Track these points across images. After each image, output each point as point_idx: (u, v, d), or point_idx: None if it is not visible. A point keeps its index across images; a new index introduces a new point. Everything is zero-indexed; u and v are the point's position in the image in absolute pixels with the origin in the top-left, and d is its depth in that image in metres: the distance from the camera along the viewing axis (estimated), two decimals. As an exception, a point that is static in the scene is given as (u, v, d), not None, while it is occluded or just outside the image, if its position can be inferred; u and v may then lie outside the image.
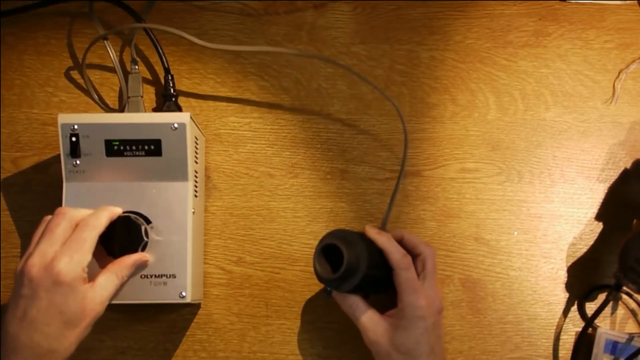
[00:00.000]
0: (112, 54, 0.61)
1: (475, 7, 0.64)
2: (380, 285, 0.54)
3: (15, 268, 0.48)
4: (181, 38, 0.63)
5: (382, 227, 0.57)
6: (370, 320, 0.53)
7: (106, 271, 0.50)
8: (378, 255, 0.53)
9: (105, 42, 0.61)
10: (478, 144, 0.62)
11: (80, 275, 0.47)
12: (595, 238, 0.61)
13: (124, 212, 0.53)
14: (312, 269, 0.60)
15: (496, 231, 0.61)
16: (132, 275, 0.52)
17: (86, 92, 0.63)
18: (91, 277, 0.49)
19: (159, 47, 0.61)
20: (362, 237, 0.53)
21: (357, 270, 0.51)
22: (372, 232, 0.54)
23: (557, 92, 0.63)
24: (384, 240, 0.53)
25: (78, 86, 0.63)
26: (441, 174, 0.62)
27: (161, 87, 0.62)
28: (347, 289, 0.52)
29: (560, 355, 0.60)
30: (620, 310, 0.60)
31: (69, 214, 0.49)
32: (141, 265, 0.53)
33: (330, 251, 0.51)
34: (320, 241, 0.52)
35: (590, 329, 0.59)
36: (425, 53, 0.63)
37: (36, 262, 0.46)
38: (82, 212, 0.51)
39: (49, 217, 0.50)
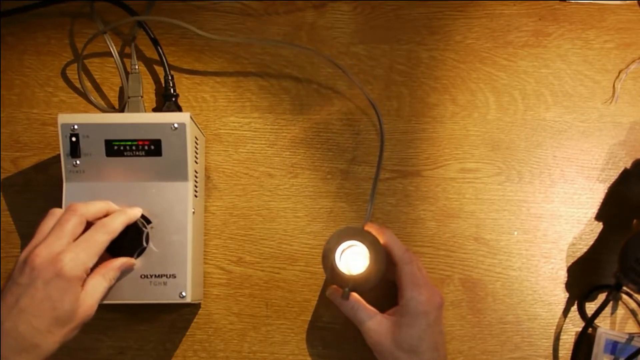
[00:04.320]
0: (114, 50, 0.60)
1: (475, 7, 0.64)
2: (380, 280, 0.54)
3: (19, 255, 0.48)
4: (181, 38, 0.63)
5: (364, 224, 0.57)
6: (372, 321, 0.53)
7: (94, 274, 0.50)
8: (383, 251, 0.54)
9: (106, 38, 0.60)
10: (478, 144, 0.62)
11: (82, 275, 0.47)
12: (595, 238, 0.61)
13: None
14: (312, 269, 0.61)
15: (496, 231, 0.61)
16: (120, 277, 0.52)
17: (84, 91, 0.63)
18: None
19: (159, 47, 0.61)
20: (367, 232, 0.54)
21: (379, 269, 0.51)
22: (374, 228, 0.55)
23: (557, 92, 0.63)
24: (388, 236, 0.54)
25: (78, 86, 0.63)
26: (441, 174, 0.62)
27: (161, 87, 0.62)
28: (368, 287, 0.53)
29: (560, 355, 0.60)
30: (620, 310, 0.60)
31: (80, 210, 0.49)
32: (128, 269, 0.53)
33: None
34: (334, 242, 0.53)
35: (590, 329, 0.59)
36: (425, 53, 0.63)
37: (41, 252, 0.46)
38: (94, 207, 0.51)
39: (58, 210, 0.50)
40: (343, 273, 0.52)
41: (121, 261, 0.52)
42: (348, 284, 0.52)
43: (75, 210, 0.49)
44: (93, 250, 0.48)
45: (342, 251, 0.54)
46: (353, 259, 0.55)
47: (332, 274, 0.53)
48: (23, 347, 0.45)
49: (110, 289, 0.51)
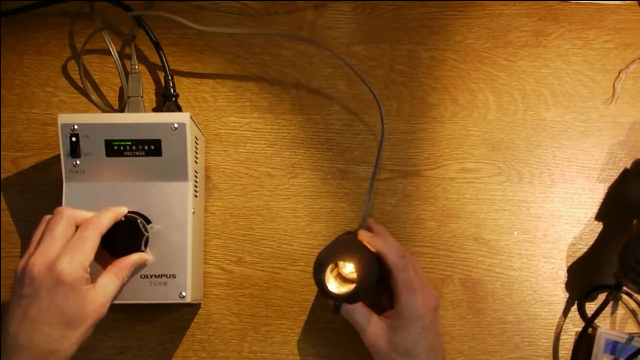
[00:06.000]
0: (112, 48, 0.60)
1: (475, 7, 0.64)
2: (374, 285, 0.54)
3: (15, 268, 0.48)
4: (181, 38, 0.63)
5: (363, 222, 0.57)
6: (368, 322, 0.53)
7: (106, 272, 0.50)
8: (375, 259, 0.53)
9: (104, 35, 0.61)
10: (478, 144, 0.62)
11: (82, 275, 0.47)
12: (595, 238, 0.61)
13: (123, 213, 0.53)
14: (311, 269, 0.60)
15: (496, 231, 0.61)
16: (132, 275, 0.52)
17: (84, 91, 0.63)
18: (93, 278, 0.49)
19: (159, 47, 0.61)
20: (359, 242, 0.53)
21: (370, 282, 0.51)
22: (366, 236, 0.54)
23: (557, 92, 0.63)
24: (380, 243, 0.53)
25: (78, 86, 0.63)
26: (441, 174, 0.62)
27: (161, 87, 0.62)
28: (358, 300, 0.52)
29: (560, 355, 0.60)
30: (620, 310, 0.60)
31: (68, 212, 0.49)
32: (141, 265, 0.53)
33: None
34: (323, 259, 0.51)
35: (590, 329, 0.59)
36: (425, 53, 0.63)
37: (37, 261, 0.46)
38: (82, 213, 0.51)
39: (49, 216, 0.50)
40: (332, 292, 0.51)
41: (134, 258, 0.52)
42: (338, 301, 0.52)
43: (63, 213, 0.49)
44: (87, 248, 0.48)
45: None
46: (345, 267, 0.54)
47: (322, 291, 0.51)
48: (41, 356, 0.45)
49: (123, 286, 0.51)
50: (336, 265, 0.54)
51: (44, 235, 0.48)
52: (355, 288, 0.50)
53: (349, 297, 0.50)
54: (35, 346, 0.45)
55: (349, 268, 0.54)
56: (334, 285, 0.51)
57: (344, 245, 0.53)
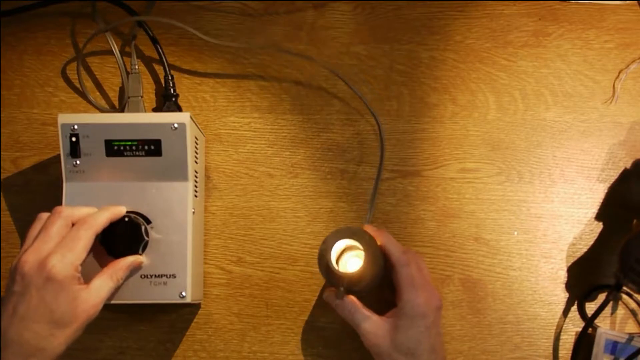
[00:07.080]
0: (115, 49, 0.60)
1: (475, 7, 0.64)
2: (378, 282, 0.54)
3: (11, 265, 0.48)
4: (181, 38, 0.63)
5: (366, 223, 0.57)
6: (369, 323, 0.53)
7: (101, 274, 0.50)
8: (380, 251, 0.53)
9: (107, 36, 0.61)
10: (478, 144, 0.62)
11: (73, 274, 0.47)
12: (595, 238, 0.61)
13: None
14: (312, 269, 0.61)
15: (496, 231, 0.61)
16: (127, 277, 0.52)
17: (84, 91, 0.63)
18: (90, 277, 0.49)
19: (159, 47, 0.61)
20: (364, 230, 0.53)
21: (376, 269, 0.51)
22: (372, 230, 0.54)
23: (557, 92, 0.63)
24: (384, 237, 0.53)
25: (78, 86, 0.63)
26: (441, 174, 0.62)
27: (161, 87, 0.62)
28: (363, 287, 0.52)
29: (560, 355, 0.60)
30: (620, 310, 0.60)
31: (65, 212, 0.49)
32: (136, 268, 0.53)
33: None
34: (330, 241, 0.51)
35: (590, 329, 0.59)
36: (425, 53, 0.63)
37: (29, 258, 0.46)
38: (79, 211, 0.51)
39: (45, 214, 0.50)
40: (337, 270, 0.51)
41: (129, 260, 0.52)
42: (342, 283, 0.52)
43: (60, 213, 0.49)
44: (79, 248, 0.48)
45: (340, 254, 0.53)
46: (350, 261, 0.54)
47: (327, 273, 0.51)
48: (29, 352, 0.45)
49: (118, 288, 0.51)
50: (337, 265, 0.54)
51: (40, 233, 0.48)
52: (362, 267, 0.50)
53: (355, 278, 0.50)
54: (23, 342, 0.45)
55: (352, 265, 0.54)
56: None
57: (350, 231, 0.52)
